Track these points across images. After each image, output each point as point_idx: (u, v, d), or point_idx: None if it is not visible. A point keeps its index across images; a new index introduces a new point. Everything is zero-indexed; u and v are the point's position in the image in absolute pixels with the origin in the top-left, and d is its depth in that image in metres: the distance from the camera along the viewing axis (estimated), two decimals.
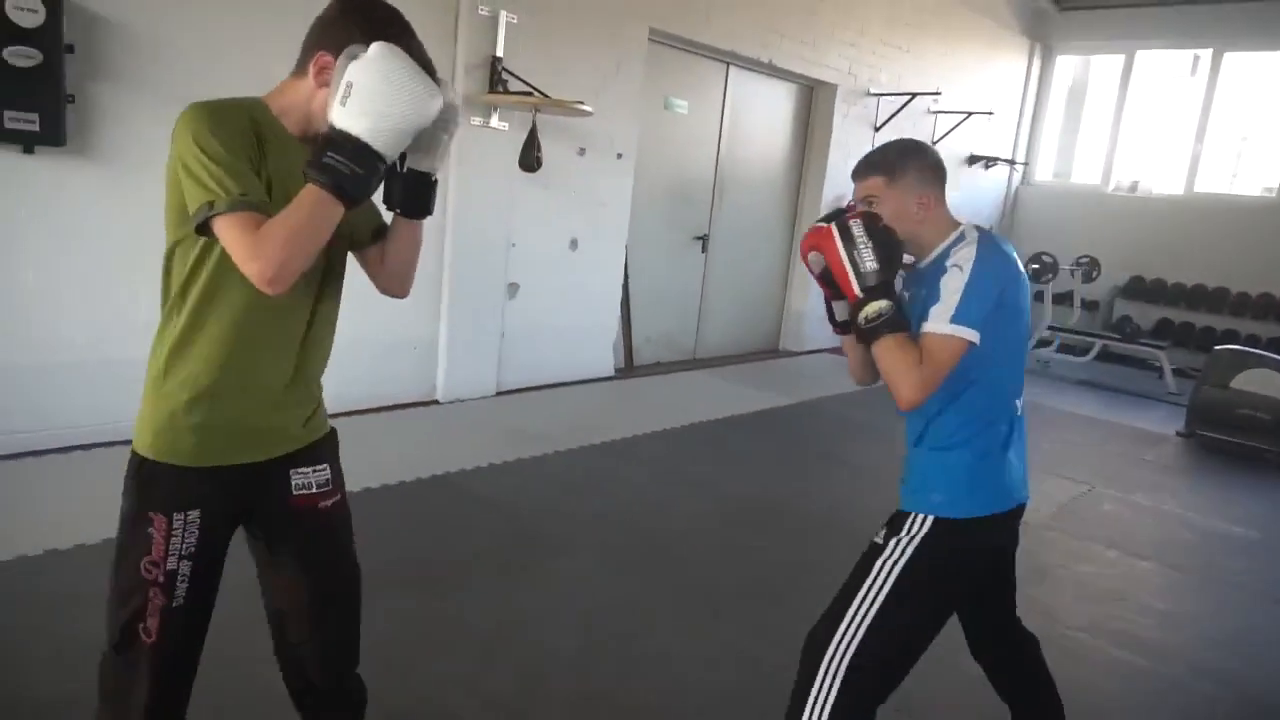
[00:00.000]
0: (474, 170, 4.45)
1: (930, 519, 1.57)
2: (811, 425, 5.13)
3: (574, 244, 5.16)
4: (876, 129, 7.27)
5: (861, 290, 1.51)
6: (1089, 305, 8.44)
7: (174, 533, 1.35)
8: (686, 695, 2.23)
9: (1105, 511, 4.07)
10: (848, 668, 1.51)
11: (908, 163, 1.64)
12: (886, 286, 1.51)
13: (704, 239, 6.35)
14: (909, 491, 1.63)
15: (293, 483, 1.45)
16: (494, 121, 4.49)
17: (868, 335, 1.52)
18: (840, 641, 1.53)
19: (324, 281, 1.42)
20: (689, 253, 6.30)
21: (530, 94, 4.41)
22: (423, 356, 4.54)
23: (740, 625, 2.62)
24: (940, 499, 1.57)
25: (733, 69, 6.16)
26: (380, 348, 4.30)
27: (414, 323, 4.43)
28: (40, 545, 2.58)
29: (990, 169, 8.84)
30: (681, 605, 2.71)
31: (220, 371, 1.34)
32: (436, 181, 1.43)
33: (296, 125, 1.36)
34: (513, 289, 4.87)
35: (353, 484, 3.33)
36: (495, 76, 4.39)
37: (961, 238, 1.61)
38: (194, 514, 1.35)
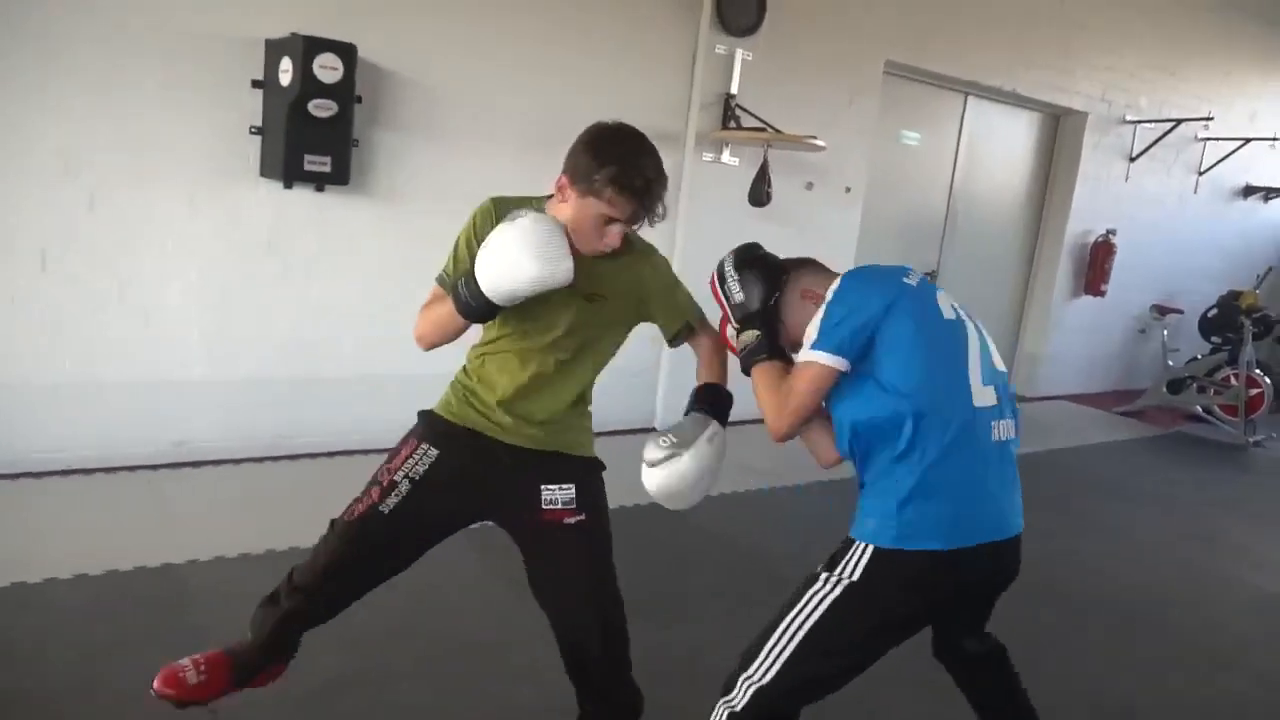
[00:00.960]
0: (703, 205, 4.53)
1: (867, 549, 1.49)
2: (1052, 479, 4.72)
3: None
4: (1131, 159, 6.66)
5: (735, 323, 1.61)
6: None
7: (412, 455, 1.70)
8: None
9: None
10: (757, 689, 1.51)
11: (783, 279, 1.68)
12: (754, 318, 1.60)
13: (932, 275, 6.07)
14: (853, 524, 1.56)
15: (543, 497, 1.70)
16: (725, 157, 4.56)
17: (744, 366, 1.59)
18: (760, 665, 1.51)
19: (572, 352, 1.73)
20: None
21: (763, 129, 4.44)
22: (644, 384, 4.66)
23: None
24: (872, 527, 1.50)
25: (971, 99, 5.88)
26: (604, 374, 4.45)
27: (637, 351, 4.53)
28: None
29: (1271, 201, 7.82)
30: (910, 659, 2.57)
31: (477, 377, 1.74)
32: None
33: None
34: None
35: None
36: (728, 113, 4.46)
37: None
38: (433, 450, 1.70)
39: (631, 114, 4.93)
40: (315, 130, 3.33)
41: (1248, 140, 7.03)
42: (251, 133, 3.37)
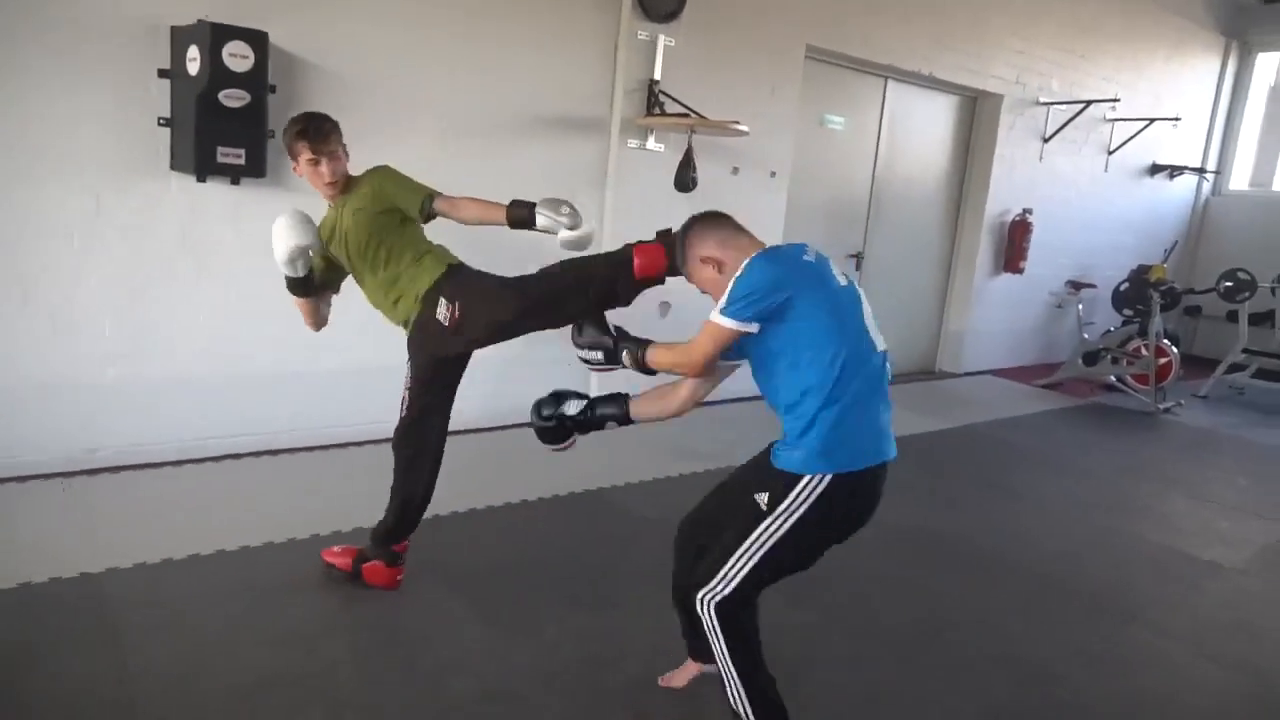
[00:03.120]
0: (630, 191, 4.54)
1: (814, 478, 1.79)
2: (973, 452, 4.89)
3: None
4: (1045, 140, 6.89)
5: (605, 367, 2.16)
6: None
7: None
8: None
9: None
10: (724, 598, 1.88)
11: (684, 242, 1.98)
12: (613, 354, 2.11)
13: (858, 256, 6.20)
14: (782, 449, 1.87)
15: (438, 313, 2.45)
16: (650, 143, 4.57)
17: (642, 369, 2.05)
18: (719, 581, 1.87)
19: (383, 257, 2.50)
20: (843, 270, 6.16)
21: (687, 115, 4.46)
22: (580, 372, 4.65)
23: (903, 660, 2.53)
24: (800, 457, 1.80)
25: (891, 82, 6.00)
26: (540, 364, 4.43)
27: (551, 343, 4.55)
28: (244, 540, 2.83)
29: (1176, 179, 8.18)
30: (844, 637, 2.64)
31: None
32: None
33: None
34: (664, 307, 4.92)
35: (518, 495, 3.44)
36: (653, 99, 4.47)
37: None
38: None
39: (554, 101, 4.91)
40: (228, 121, 3.23)
41: (1152, 120, 7.33)
42: (160, 124, 3.25)
